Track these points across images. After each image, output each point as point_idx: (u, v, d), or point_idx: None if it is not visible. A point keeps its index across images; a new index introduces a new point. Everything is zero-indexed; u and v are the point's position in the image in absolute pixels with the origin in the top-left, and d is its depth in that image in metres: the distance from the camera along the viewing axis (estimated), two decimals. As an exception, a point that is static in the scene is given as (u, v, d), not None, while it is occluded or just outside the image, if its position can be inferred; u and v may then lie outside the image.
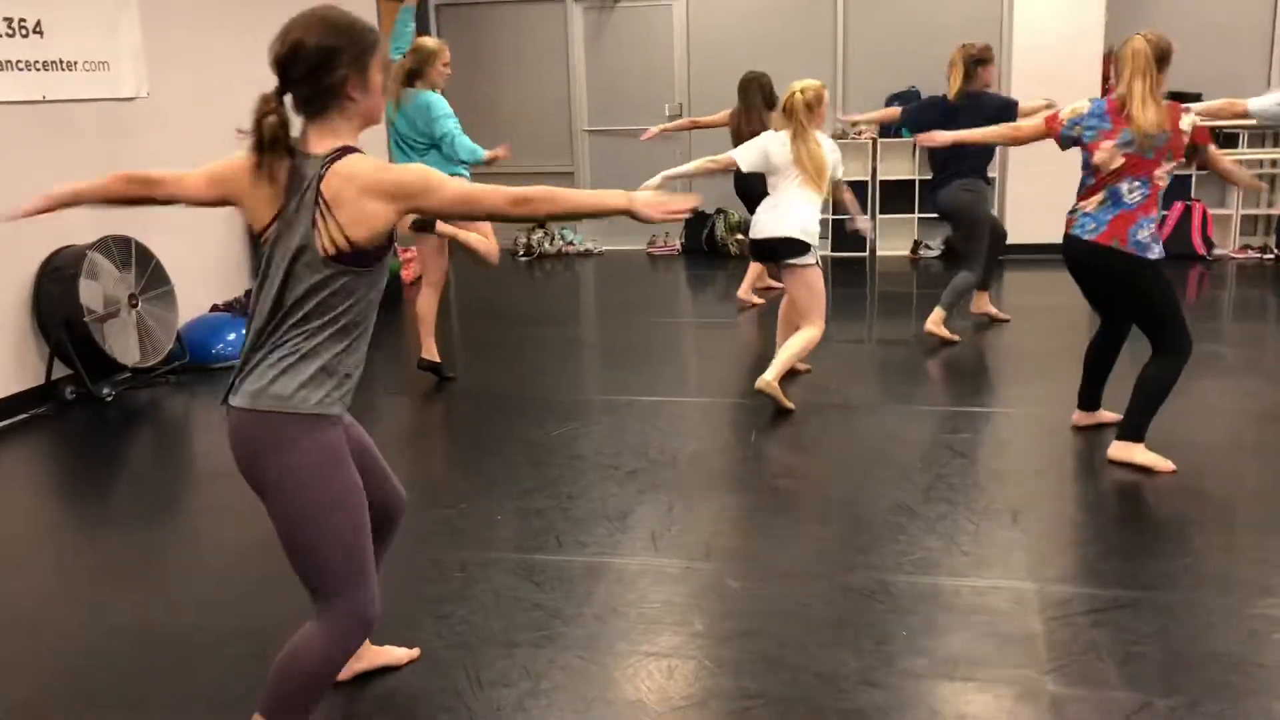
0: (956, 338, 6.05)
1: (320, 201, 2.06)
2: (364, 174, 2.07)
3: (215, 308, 6.52)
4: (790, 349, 4.97)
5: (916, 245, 9.23)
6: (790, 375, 5.19)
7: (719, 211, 9.58)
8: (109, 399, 5.36)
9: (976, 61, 6.04)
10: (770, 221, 5.02)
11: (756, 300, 7.34)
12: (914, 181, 9.01)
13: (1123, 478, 4.00)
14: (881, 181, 9.12)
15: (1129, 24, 8.43)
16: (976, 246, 6.16)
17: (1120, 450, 4.08)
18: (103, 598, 3.32)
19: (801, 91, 5.03)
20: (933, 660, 2.76)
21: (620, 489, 3.98)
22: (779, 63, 9.29)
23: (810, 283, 5.01)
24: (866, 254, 9.22)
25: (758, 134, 5.46)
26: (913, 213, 9.12)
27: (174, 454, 4.98)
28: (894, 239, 9.29)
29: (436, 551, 3.51)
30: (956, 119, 5.52)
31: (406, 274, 8.39)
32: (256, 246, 2.19)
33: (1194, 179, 8.73)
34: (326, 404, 2.17)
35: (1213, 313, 7.04)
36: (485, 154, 5.38)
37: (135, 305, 5.61)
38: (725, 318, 7.43)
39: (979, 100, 5.95)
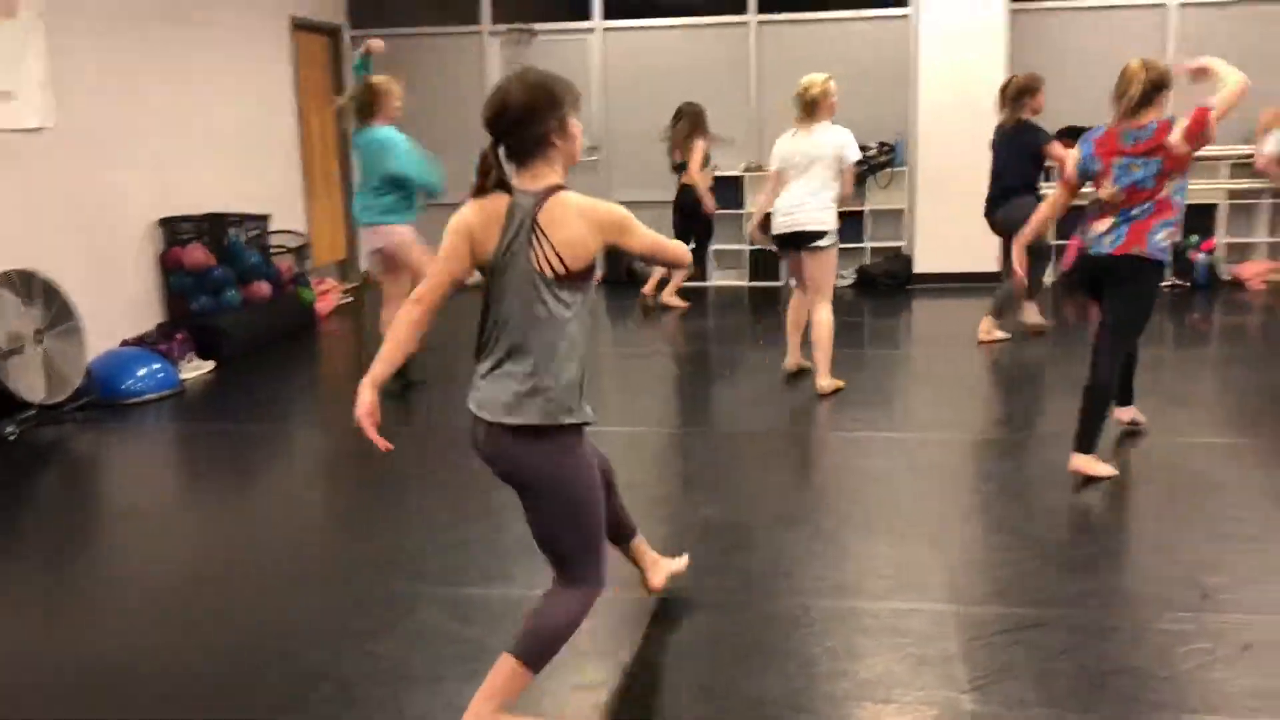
0: (1008, 335, 6.73)
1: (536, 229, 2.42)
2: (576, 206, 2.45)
3: (126, 342, 6.37)
4: (820, 344, 5.56)
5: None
6: (702, 403, 5.25)
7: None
8: (12, 438, 5.20)
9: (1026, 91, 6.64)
10: (791, 214, 5.57)
11: (681, 304, 8.11)
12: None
13: (1035, 501, 4.12)
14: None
15: (1030, 57, 8.77)
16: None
17: (1084, 463, 4.25)
18: (9, 638, 3.21)
19: (805, 88, 5.59)
20: (855, 683, 2.82)
21: (545, 520, 3.98)
22: (695, 94, 9.45)
23: (828, 262, 5.62)
24: (780, 283, 9.37)
25: (685, 158, 6.11)
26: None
27: (80, 492, 4.84)
28: (809, 268, 9.46)
29: (362, 586, 3.48)
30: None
31: (321, 306, 8.29)
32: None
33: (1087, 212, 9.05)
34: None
35: (1114, 338, 7.29)
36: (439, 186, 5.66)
37: (41, 341, 5.46)
38: (647, 347, 7.49)
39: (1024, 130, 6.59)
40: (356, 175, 5.98)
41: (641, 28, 9.65)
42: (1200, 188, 8.12)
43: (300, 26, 9.03)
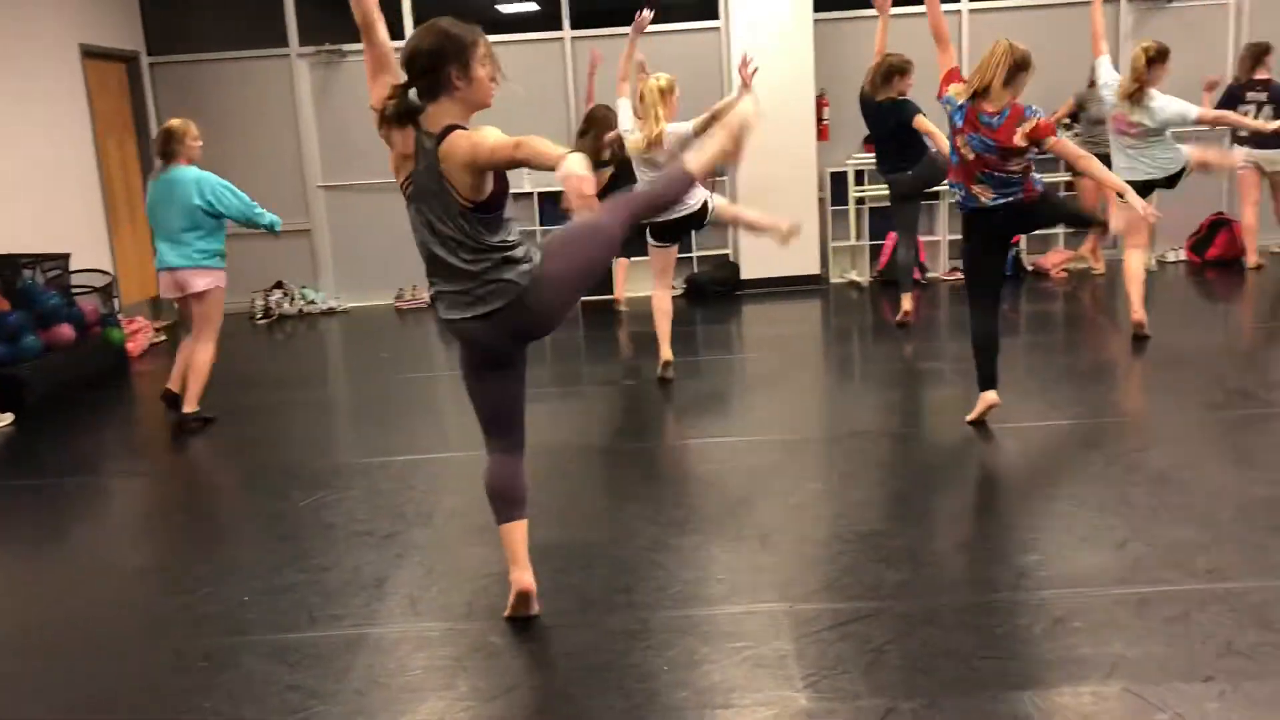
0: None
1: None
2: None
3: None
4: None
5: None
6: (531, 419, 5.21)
7: (465, 262, 9.55)
8: None
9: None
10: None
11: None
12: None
13: (858, 495, 4.24)
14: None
15: (835, 71, 9.08)
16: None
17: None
18: None
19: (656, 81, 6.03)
20: (694, 692, 2.82)
21: (376, 555, 3.87)
22: (511, 111, 9.41)
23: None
24: (614, 296, 9.41)
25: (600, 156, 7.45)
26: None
27: None
28: (639, 281, 9.51)
29: (178, 642, 3.30)
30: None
31: (132, 347, 7.89)
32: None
33: (905, 209, 9.42)
34: None
35: (931, 332, 7.60)
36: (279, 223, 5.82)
37: None
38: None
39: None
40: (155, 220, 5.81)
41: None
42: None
43: (92, 54, 8.57)
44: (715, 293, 9.08)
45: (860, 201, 9.28)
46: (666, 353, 6.17)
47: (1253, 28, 9.24)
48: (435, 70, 2.77)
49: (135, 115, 9.34)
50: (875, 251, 9.41)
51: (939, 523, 3.95)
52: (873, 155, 9.17)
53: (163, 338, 8.63)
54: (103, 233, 8.54)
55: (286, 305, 9.52)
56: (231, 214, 5.67)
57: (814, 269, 9.16)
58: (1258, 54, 8.29)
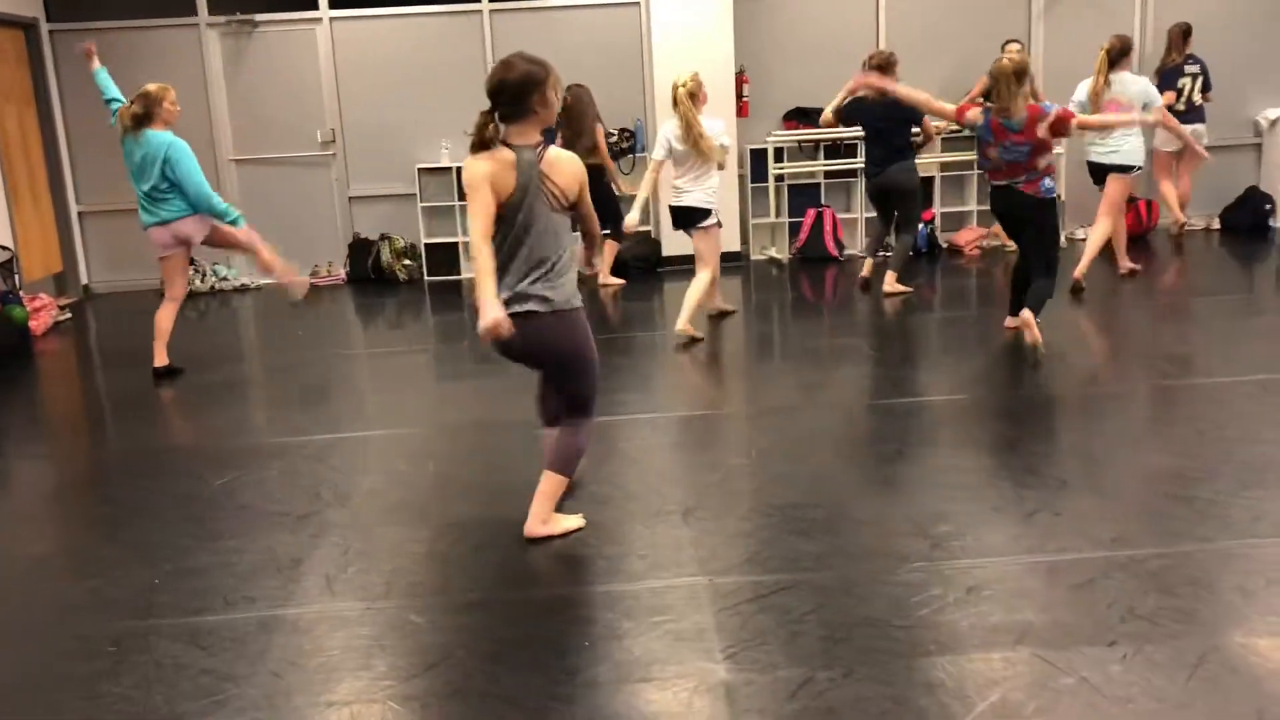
0: (910, 289, 7.50)
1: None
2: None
3: None
4: (693, 294, 6.38)
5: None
6: (458, 398, 5.16)
7: (384, 237, 9.41)
8: None
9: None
10: (685, 195, 6.39)
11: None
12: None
13: (776, 470, 4.28)
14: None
15: (755, 48, 9.11)
16: (915, 214, 7.64)
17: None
18: None
19: (683, 85, 6.21)
20: (614, 666, 2.83)
21: (291, 535, 3.81)
22: (431, 84, 9.30)
23: (713, 239, 6.48)
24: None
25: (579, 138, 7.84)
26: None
27: None
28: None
29: (85, 627, 3.21)
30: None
31: (35, 325, 7.64)
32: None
33: (823, 187, 9.52)
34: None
35: (848, 308, 7.70)
36: (233, 211, 6.07)
37: None
38: (400, 346, 7.31)
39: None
40: (130, 178, 6.12)
41: (370, 16, 9.37)
42: (919, 162, 8.65)
43: (-13, 21, 8.24)
44: (637, 269, 9.07)
45: (780, 179, 9.34)
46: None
47: (1158, 7, 9.49)
48: (521, 100, 3.38)
49: (35, 86, 9.00)
50: (795, 229, 9.48)
51: (856, 495, 4.01)
52: (792, 132, 9.30)
53: (67, 315, 8.37)
54: (2, 208, 8.23)
55: (198, 282, 9.28)
56: (187, 190, 5.93)
57: (734, 246, 9.20)
58: (1185, 33, 8.76)
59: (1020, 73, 5.60)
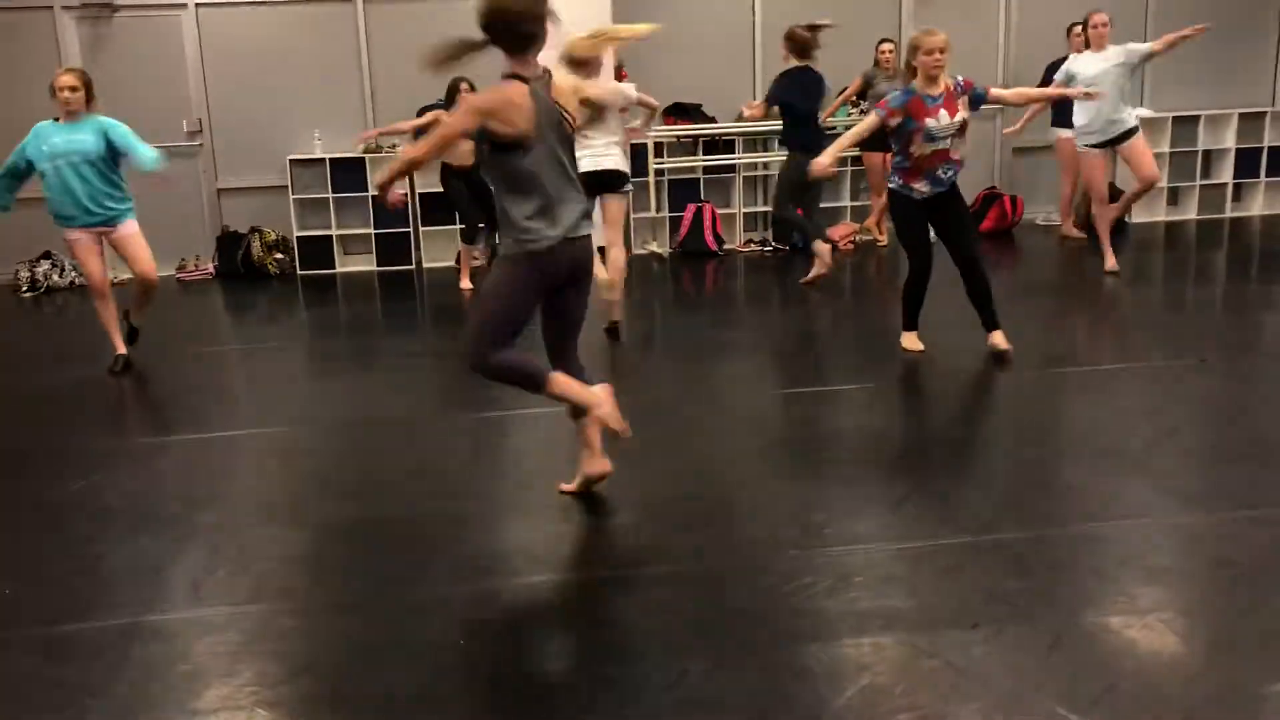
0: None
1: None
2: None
3: None
4: (616, 265, 6.23)
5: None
6: (336, 396, 5.05)
7: (254, 230, 9.15)
8: None
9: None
10: (604, 159, 5.92)
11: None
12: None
13: (657, 465, 4.30)
14: (420, 194, 9.17)
15: (634, 44, 9.12)
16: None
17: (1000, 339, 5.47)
18: None
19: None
20: (491, 664, 2.81)
21: (155, 540, 3.67)
22: (303, 75, 9.08)
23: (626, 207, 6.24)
24: (413, 266, 9.24)
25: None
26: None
27: None
28: (439, 250, 9.37)
29: (-70, 642, 3.04)
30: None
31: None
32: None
33: (702, 182, 9.62)
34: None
35: (728, 302, 7.79)
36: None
37: None
38: (271, 341, 7.12)
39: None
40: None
41: (239, 3, 9.09)
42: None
43: None
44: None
45: (660, 174, 9.39)
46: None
47: (1021, 7, 9.84)
48: (523, 27, 3.36)
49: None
50: (675, 223, 9.55)
51: (733, 487, 4.06)
52: (673, 128, 9.35)
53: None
54: None
55: (56, 277, 8.89)
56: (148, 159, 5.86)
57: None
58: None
59: (911, 49, 5.43)
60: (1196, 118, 10.24)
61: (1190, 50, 10.03)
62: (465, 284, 8.10)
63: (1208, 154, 10.35)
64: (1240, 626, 2.86)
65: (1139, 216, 10.18)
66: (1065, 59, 8.88)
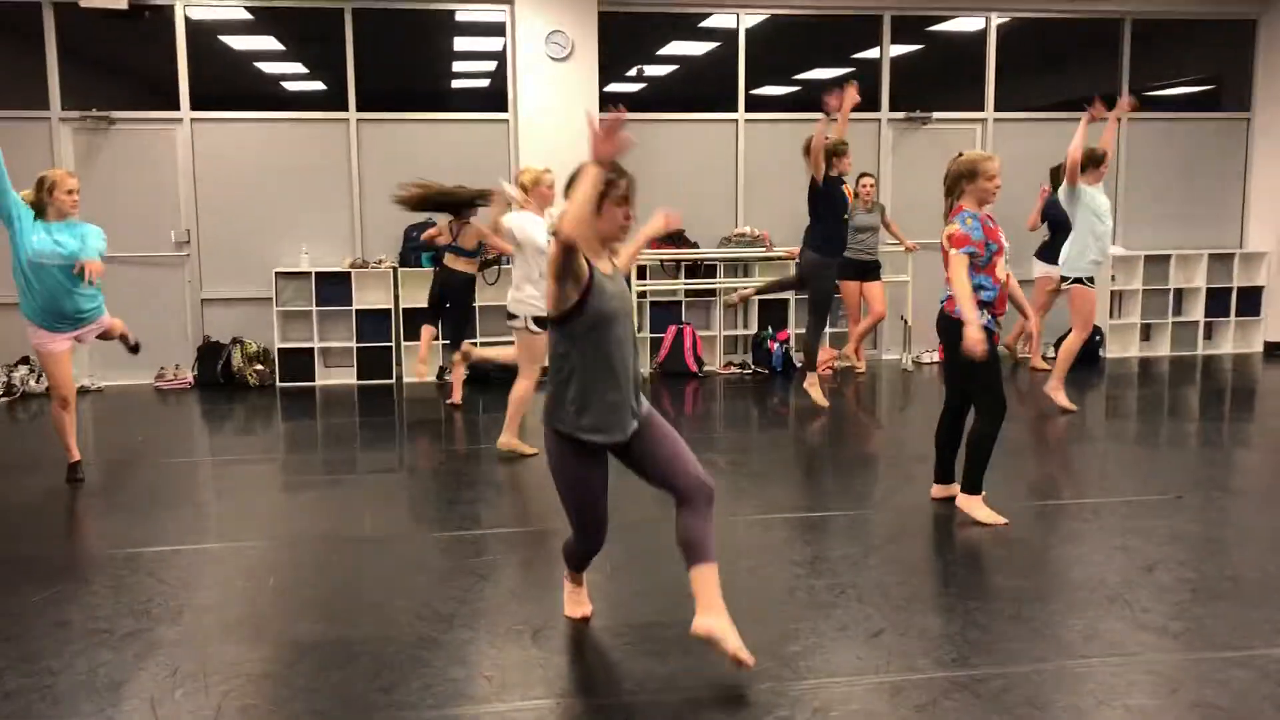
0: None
1: None
2: None
3: None
4: (512, 406, 6.28)
5: (442, 371, 9.37)
6: (306, 510, 4.99)
7: (235, 341, 9.16)
8: None
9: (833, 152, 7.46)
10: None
11: None
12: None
13: (634, 586, 4.24)
14: (404, 309, 9.23)
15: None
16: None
17: (965, 503, 5.08)
18: None
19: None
20: (456, 796, 2.72)
21: (115, 655, 3.57)
22: (293, 189, 9.22)
23: (526, 344, 6.20)
24: (393, 381, 9.23)
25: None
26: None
27: None
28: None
29: None
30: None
31: None
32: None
33: (683, 305, 9.73)
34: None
35: (707, 423, 7.80)
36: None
37: None
38: (246, 453, 7.06)
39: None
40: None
41: (233, 120, 9.28)
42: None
43: None
44: (498, 380, 9.03)
45: (642, 295, 9.51)
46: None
47: (995, 145, 10.14)
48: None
49: None
50: (656, 344, 9.63)
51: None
52: (656, 252, 9.51)
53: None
54: None
55: (33, 383, 8.83)
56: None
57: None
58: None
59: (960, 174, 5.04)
60: (1168, 257, 10.49)
61: (1161, 191, 10.36)
62: (421, 368, 8.23)
63: (1179, 292, 10.58)
64: (1222, 772, 2.80)
65: (1114, 352, 10.35)
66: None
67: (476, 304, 8.51)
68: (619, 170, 3.38)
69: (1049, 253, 8.88)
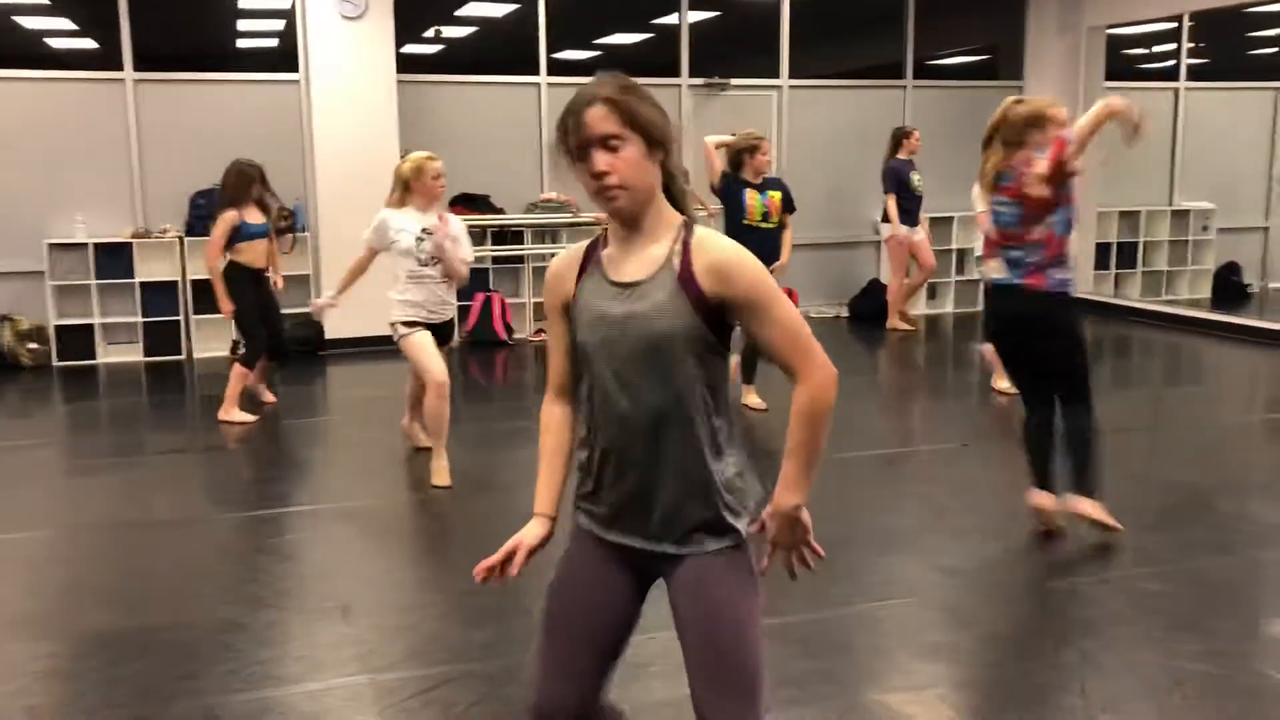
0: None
1: None
2: None
3: None
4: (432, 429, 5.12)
5: (235, 345, 8.94)
6: (94, 495, 4.70)
7: (4, 318, 8.49)
8: None
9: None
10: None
11: None
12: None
13: (450, 557, 4.19)
14: (192, 281, 8.76)
15: (421, 133, 9.12)
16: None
17: (1086, 506, 4.08)
18: None
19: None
20: (267, 781, 2.63)
21: (-124, 662, 3.28)
22: (65, 154, 8.59)
23: (405, 349, 5.18)
24: (183, 357, 8.79)
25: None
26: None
27: None
28: (212, 340, 8.94)
29: None
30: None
31: None
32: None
33: (491, 272, 9.62)
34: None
35: (519, 390, 7.76)
36: None
37: None
38: (23, 439, 6.57)
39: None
40: None
41: (-5, 79, 8.56)
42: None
43: None
44: (298, 353, 8.71)
45: (447, 263, 9.33)
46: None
47: (790, 113, 10.43)
48: None
49: None
50: (464, 312, 9.49)
51: (526, 577, 3.98)
52: (462, 217, 9.34)
53: None
54: None
55: None
56: None
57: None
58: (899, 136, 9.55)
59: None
60: (950, 219, 11.06)
61: (944, 155, 10.88)
62: (234, 414, 6.45)
63: (961, 252, 11.15)
64: (1011, 693, 3.01)
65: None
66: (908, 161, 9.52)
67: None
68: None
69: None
